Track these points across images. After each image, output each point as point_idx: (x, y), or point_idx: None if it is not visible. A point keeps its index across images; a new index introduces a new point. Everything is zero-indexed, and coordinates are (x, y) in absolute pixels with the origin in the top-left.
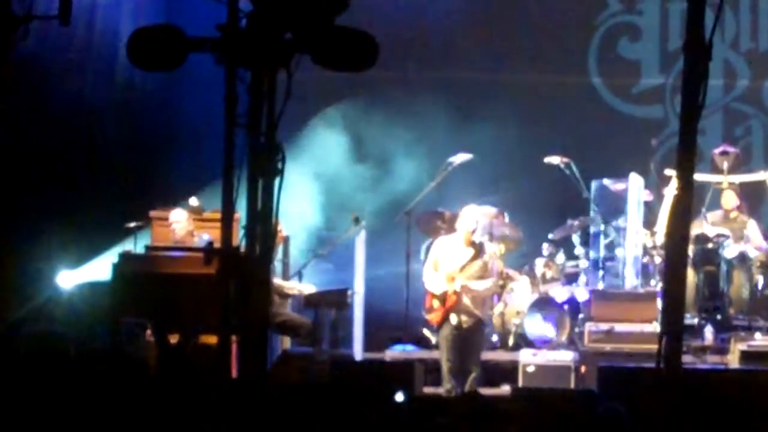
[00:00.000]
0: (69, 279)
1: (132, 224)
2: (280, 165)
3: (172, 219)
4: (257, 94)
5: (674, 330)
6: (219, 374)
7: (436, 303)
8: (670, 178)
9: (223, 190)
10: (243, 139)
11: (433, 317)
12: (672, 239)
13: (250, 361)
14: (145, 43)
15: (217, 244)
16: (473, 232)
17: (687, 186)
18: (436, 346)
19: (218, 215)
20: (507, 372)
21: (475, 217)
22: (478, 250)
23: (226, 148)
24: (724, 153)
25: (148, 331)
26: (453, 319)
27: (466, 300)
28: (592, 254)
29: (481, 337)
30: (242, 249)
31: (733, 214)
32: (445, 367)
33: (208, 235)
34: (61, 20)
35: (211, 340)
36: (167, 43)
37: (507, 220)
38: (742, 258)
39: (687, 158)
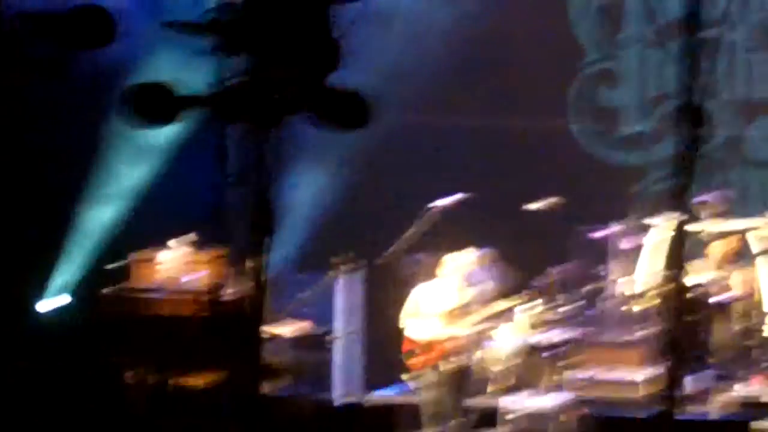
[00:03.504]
0: (47, 306)
1: (113, 265)
2: (273, 223)
3: (159, 259)
4: (250, 152)
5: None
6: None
7: (417, 349)
8: (649, 226)
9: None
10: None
11: (415, 362)
12: (664, 287)
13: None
14: (137, 99)
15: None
16: (457, 278)
17: (680, 233)
18: (417, 391)
19: (204, 257)
20: (487, 419)
21: (458, 264)
22: (460, 296)
23: (216, 206)
24: (704, 203)
25: (128, 373)
26: (441, 365)
27: (450, 346)
28: (572, 302)
29: (465, 383)
30: (229, 292)
31: (717, 263)
32: (427, 412)
33: (188, 277)
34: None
35: (191, 381)
36: (160, 100)
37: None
38: (723, 307)
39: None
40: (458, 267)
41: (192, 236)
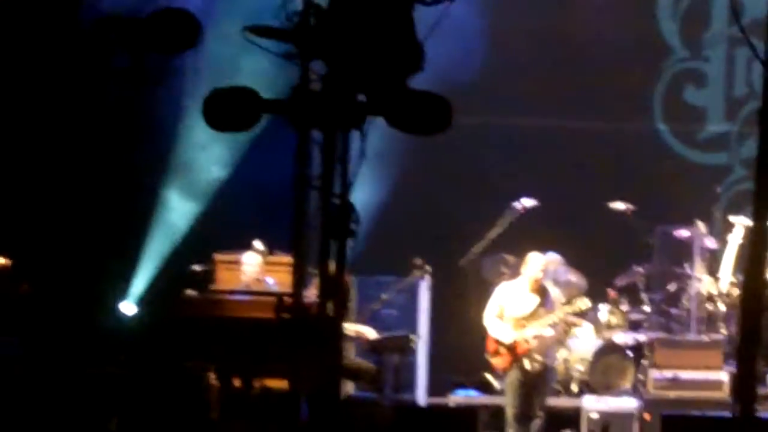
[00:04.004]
0: (131, 308)
1: (197, 267)
2: (353, 227)
3: (244, 261)
4: (330, 155)
5: (747, 378)
6: (286, 419)
7: (502, 348)
8: (734, 225)
9: (294, 250)
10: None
11: (499, 362)
12: (748, 286)
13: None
14: (220, 104)
15: (281, 288)
16: (539, 278)
17: (761, 234)
18: (499, 392)
19: (283, 259)
20: (570, 419)
21: (541, 264)
22: (544, 296)
23: (296, 208)
24: None
25: (212, 375)
26: (527, 365)
27: (534, 346)
28: (656, 301)
29: (547, 383)
30: (310, 296)
31: None
32: (510, 412)
33: (272, 279)
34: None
35: (275, 384)
36: (242, 105)
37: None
38: None
39: (761, 208)
40: (542, 265)
41: (259, 243)
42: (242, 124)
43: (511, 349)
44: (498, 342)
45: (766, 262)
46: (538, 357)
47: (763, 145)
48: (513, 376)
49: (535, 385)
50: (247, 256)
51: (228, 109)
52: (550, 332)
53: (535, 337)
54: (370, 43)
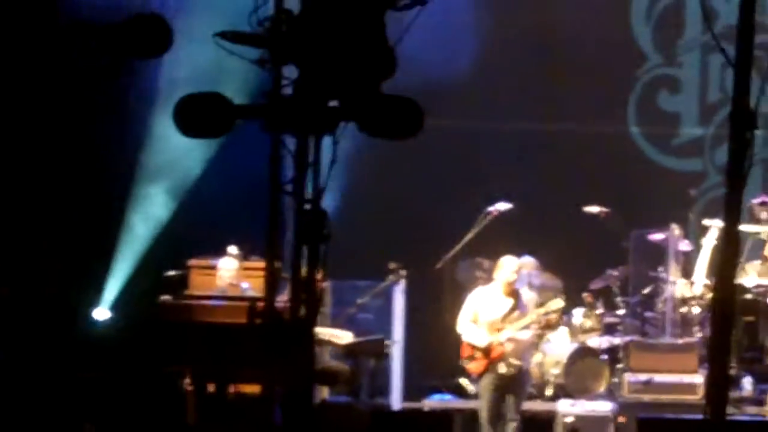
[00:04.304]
0: (104, 314)
1: (171, 272)
2: (326, 231)
3: (221, 266)
4: (303, 160)
5: (719, 381)
6: (260, 423)
7: (477, 353)
8: (708, 228)
9: (266, 255)
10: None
11: (474, 367)
12: (719, 290)
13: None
14: (192, 110)
15: (255, 293)
16: (513, 282)
17: (733, 236)
18: (474, 396)
19: (259, 264)
20: (545, 422)
21: (514, 267)
22: (517, 299)
23: (269, 214)
24: (764, 204)
25: (187, 380)
26: (501, 368)
27: (509, 350)
28: (631, 304)
29: (523, 386)
30: (284, 301)
31: None
32: (484, 416)
33: (247, 284)
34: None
35: (250, 389)
36: (214, 111)
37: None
38: None
39: (733, 212)
40: (516, 269)
41: (233, 248)
42: (214, 130)
43: (486, 352)
44: (473, 346)
45: (737, 265)
46: (514, 360)
47: (734, 150)
48: (487, 380)
49: (511, 388)
50: (224, 261)
51: (200, 115)
52: (524, 335)
53: (510, 340)
54: (342, 48)
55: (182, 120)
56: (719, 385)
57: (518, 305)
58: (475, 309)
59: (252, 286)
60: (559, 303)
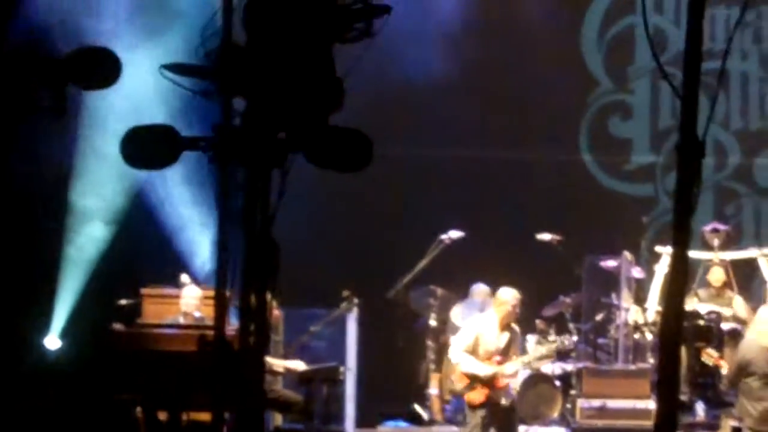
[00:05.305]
0: (55, 343)
1: (123, 301)
2: (276, 262)
3: (185, 294)
4: (251, 192)
5: (669, 407)
6: None
7: (477, 383)
8: (660, 255)
9: (216, 284)
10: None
11: (475, 397)
12: (666, 317)
13: None
14: (139, 141)
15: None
16: (511, 315)
17: (681, 264)
18: (429, 422)
19: (212, 292)
20: None
21: (513, 299)
22: (512, 332)
23: (219, 244)
24: (715, 230)
25: (139, 408)
26: (503, 400)
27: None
28: (584, 331)
29: (515, 420)
30: (234, 330)
31: (720, 291)
32: None
33: (199, 313)
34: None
35: (202, 417)
36: (161, 142)
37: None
38: (733, 334)
39: (682, 238)
40: (513, 302)
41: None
42: (161, 161)
43: (490, 383)
44: (473, 377)
45: (685, 292)
46: (512, 392)
47: (682, 179)
48: (483, 410)
49: (504, 420)
50: (188, 290)
51: (146, 147)
52: (526, 371)
53: (514, 373)
54: (289, 80)
55: (129, 151)
56: (668, 410)
57: (514, 338)
58: (476, 337)
59: (204, 315)
60: (564, 342)
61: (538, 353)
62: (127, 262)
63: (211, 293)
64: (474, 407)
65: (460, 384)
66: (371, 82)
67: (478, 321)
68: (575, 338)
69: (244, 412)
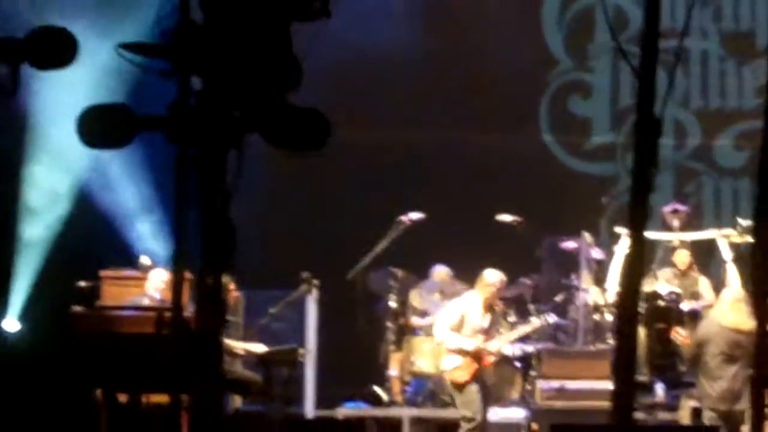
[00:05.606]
0: (14, 325)
1: (83, 283)
2: (232, 243)
3: (152, 276)
4: (208, 172)
5: (625, 387)
6: None
7: (464, 361)
8: (620, 235)
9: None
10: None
11: (461, 375)
12: (623, 297)
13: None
14: (94, 121)
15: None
16: (495, 297)
17: (638, 244)
18: (388, 404)
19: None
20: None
21: (497, 280)
22: (494, 315)
23: (176, 225)
24: (675, 211)
25: (98, 391)
26: (487, 377)
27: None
28: (543, 312)
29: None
30: (192, 310)
31: (686, 272)
32: (472, 425)
33: (159, 295)
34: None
35: (163, 399)
36: (117, 122)
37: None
38: (694, 315)
39: (638, 218)
40: (497, 283)
41: (146, 258)
42: (116, 141)
43: (476, 358)
44: (461, 352)
45: (642, 272)
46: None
47: (640, 158)
48: (473, 387)
49: (487, 395)
50: (157, 272)
51: (102, 126)
52: (509, 349)
53: (497, 351)
54: (245, 58)
55: (85, 131)
56: (625, 390)
57: (496, 319)
58: (461, 316)
59: (162, 297)
60: (537, 322)
61: (523, 332)
62: (85, 243)
63: (166, 275)
64: (460, 386)
65: (446, 365)
66: (331, 61)
67: (463, 301)
68: (554, 317)
69: (202, 395)
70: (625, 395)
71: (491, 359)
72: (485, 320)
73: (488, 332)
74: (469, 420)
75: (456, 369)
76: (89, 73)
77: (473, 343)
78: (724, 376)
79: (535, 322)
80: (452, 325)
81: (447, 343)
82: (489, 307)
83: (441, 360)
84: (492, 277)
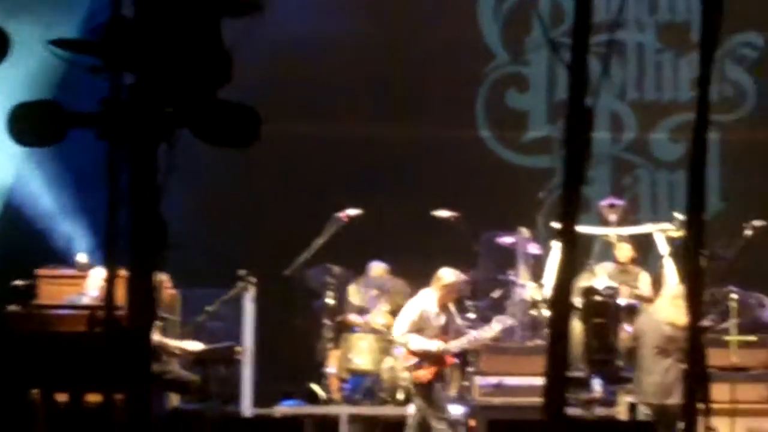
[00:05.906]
0: None
1: (19, 282)
2: (163, 240)
3: (93, 275)
4: (139, 168)
5: (557, 382)
6: None
7: (425, 361)
8: (556, 230)
9: (106, 264)
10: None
11: (422, 374)
12: (556, 292)
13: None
14: (25, 118)
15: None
16: (451, 296)
17: (570, 238)
18: (326, 401)
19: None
20: (395, 427)
21: (453, 279)
22: (449, 313)
23: (109, 222)
24: (612, 206)
25: (35, 391)
26: (447, 377)
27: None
28: (481, 308)
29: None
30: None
31: (627, 266)
32: (441, 426)
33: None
34: None
35: (96, 398)
36: (47, 119)
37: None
38: (631, 310)
39: (570, 212)
40: (453, 281)
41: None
42: (48, 138)
43: (439, 359)
44: (422, 353)
45: (574, 267)
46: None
47: (571, 152)
48: (438, 386)
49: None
50: (97, 271)
51: (33, 124)
52: (459, 345)
53: (460, 352)
54: (176, 54)
55: (15, 128)
56: (557, 384)
57: (451, 318)
58: (419, 315)
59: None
60: (499, 326)
61: (488, 334)
62: (20, 242)
63: (100, 274)
64: (424, 386)
65: (406, 363)
66: (262, 56)
67: (419, 300)
68: (514, 320)
69: (133, 393)
70: (557, 390)
71: (451, 360)
72: (440, 319)
73: (446, 331)
74: (441, 419)
75: (418, 369)
76: (20, 71)
77: (436, 344)
78: (656, 370)
79: (496, 327)
80: (412, 324)
81: (410, 344)
82: (444, 306)
83: (381, 358)
84: (449, 276)
